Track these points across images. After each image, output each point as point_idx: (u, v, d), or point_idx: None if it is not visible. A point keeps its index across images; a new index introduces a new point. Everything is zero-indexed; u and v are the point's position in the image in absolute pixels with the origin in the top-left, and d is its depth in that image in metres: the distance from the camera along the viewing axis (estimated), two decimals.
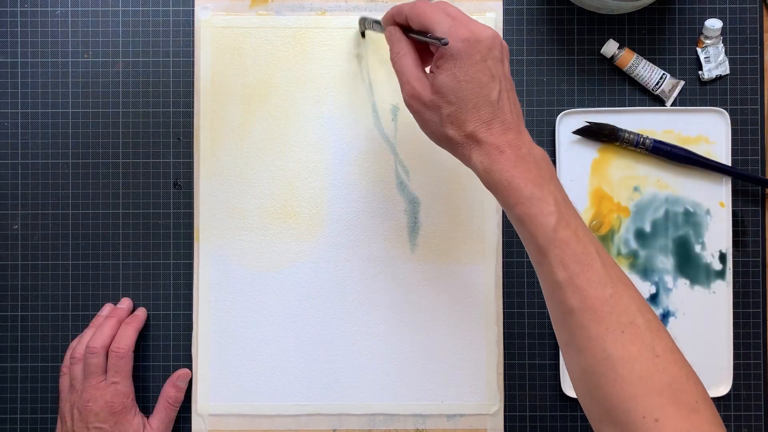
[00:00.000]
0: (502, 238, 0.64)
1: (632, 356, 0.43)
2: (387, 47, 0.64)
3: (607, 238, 0.64)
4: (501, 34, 0.64)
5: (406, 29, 0.52)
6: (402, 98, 0.52)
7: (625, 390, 0.43)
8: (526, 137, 0.49)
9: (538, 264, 0.47)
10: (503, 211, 0.64)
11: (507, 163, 0.47)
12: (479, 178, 0.49)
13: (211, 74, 0.64)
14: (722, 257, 0.64)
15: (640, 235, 0.64)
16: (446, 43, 0.47)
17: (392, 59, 0.52)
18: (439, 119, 0.49)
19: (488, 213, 0.64)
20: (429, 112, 0.49)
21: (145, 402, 0.63)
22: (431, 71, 0.50)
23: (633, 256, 0.64)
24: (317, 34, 0.64)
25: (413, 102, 0.50)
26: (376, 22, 0.58)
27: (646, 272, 0.64)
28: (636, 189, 0.64)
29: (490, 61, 0.48)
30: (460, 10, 0.50)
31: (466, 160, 0.49)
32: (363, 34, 0.64)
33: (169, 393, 0.62)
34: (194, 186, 0.64)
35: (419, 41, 0.51)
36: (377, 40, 0.64)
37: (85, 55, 0.64)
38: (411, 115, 0.63)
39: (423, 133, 0.64)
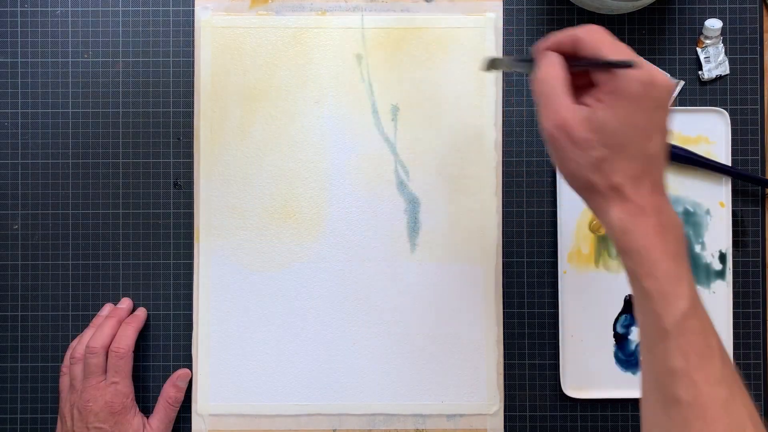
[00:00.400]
0: (502, 238, 0.64)
1: None
2: (387, 47, 0.63)
3: (607, 239, 0.64)
4: (501, 34, 0.64)
5: (569, 59, 0.45)
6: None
7: None
8: (669, 204, 0.44)
9: (653, 345, 0.43)
10: (503, 211, 0.64)
11: (648, 229, 0.42)
12: (611, 237, 0.44)
13: (211, 74, 0.64)
14: (722, 257, 0.64)
15: None
16: (632, 65, 0.42)
17: (539, 79, 0.44)
18: (586, 161, 0.43)
19: (488, 213, 0.64)
20: (576, 150, 0.43)
21: (145, 402, 0.63)
22: (589, 104, 0.43)
23: None
24: (317, 34, 0.64)
25: (559, 134, 0.43)
26: (522, 60, 0.49)
27: None
28: None
29: (660, 112, 0.43)
30: (634, 52, 0.44)
31: (602, 214, 0.44)
32: (489, 67, 0.55)
33: (169, 393, 0.62)
34: (194, 186, 0.64)
35: (591, 65, 0.44)
36: (377, 39, 0.64)
37: (85, 55, 0.64)
38: (411, 115, 0.63)
39: (423, 133, 0.63)
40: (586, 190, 0.44)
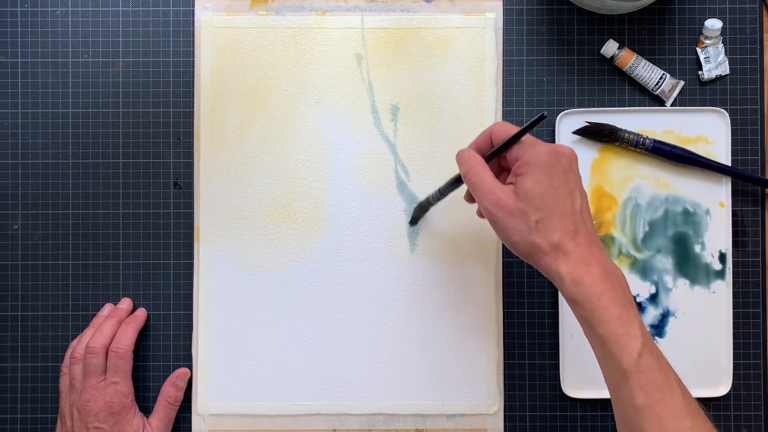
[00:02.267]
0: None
1: None
2: (387, 47, 0.64)
3: (606, 239, 0.64)
4: (501, 34, 0.64)
5: (487, 155, 0.52)
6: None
7: None
8: (606, 254, 0.49)
9: (617, 386, 0.46)
10: None
11: (595, 278, 0.46)
12: (562, 290, 0.48)
13: (211, 74, 0.64)
14: (722, 257, 0.64)
15: (640, 236, 0.64)
16: (545, 117, 0.48)
17: (466, 174, 0.51)
18: (526, 227, 0.48)
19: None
20: (515, 220, 0.48)
21: (145, 402, 0.63)
22: (511, 181, 0.49)
23: (632, 256, 0.64)
24: (317, 34, 0.64)
25: (497, 210, 0.49)
26: (441, 188, 0.58)
27: (645, 272, 0.64)
28: (636, 189, 0.64)
29: (570, 174, 0.49)
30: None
31: (551, 271, 0.48)
32: (415, 221, 0.64)
33: (169, 392, 0.62)
34: (194, 186, 0.64)
35: (509, 143, 0.50)
36: (377, 39, 0.64)
37: (85, 55, 0.64)
38: (411, 115, 0.64)
39: (423, 133, 0.64)
40: (532, 254, 0.49)
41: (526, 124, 0.49)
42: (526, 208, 0.48)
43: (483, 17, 0.64)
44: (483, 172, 0.50)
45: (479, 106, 0.64)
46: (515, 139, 0.50)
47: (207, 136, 0.64)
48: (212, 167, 0.64)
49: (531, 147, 0.49)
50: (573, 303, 0.47)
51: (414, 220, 0.64)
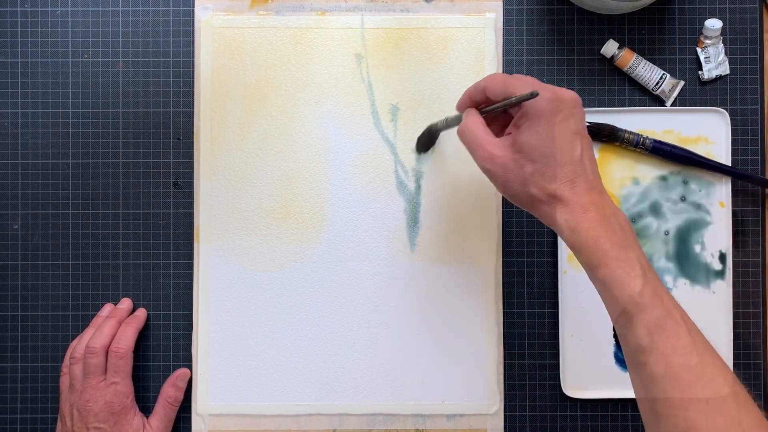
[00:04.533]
0: (503, 238, 0.64)
1: (717, 428, 0.42)
2: (387, 47, 0.64)
3: None
4: (501, 34, 0.64)
5: (481, 109, 0.52)
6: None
7: None
8: (608, 198, 0.49)
9: (622, 328, 0.46)
10: (503, 211, 0.64)
11: (593, 223, 0.46)
12: (563, 238, 0.48)
13: (211, 74, 0.64)
14: (722, 257, 0.64)
15: (640, 235, 0.64)
16: (536, 94, 0.47)
17: (461, 131, 0.51)
18: (521, 179, 0.48)
19: (488, 213, 0.64)
20: (510, 173, 0.49)
21: (145, 402, 0.63)
22: (509, 132, 0.49)
23: None
24: (317, 34, 0.64)
25: (492, 166, 0.49)
26: (449, 118, 0.57)
27: None
28: (636, 189, 0.64)
29: (572, 120, 0.48)
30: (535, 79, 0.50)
31: (550, 220, 0.48)
32: (422, 148, 0.64)
33: (169, 393, 0.62)
34: (194, 186, 0.64)
35: (502, 107, 0.50)
36: (377, 39, 0.64)
37: (85, 55, 0.64)
38: (411, 115, 0.64)
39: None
40: (531, 204, 0.49)
41: (514, 99, 0.48)
42: (521, 160, 0.48)
43: (483, 17, 0.64)
44: (476, 128, 0.50)
45: None
46: (513, 104, 0.49)
47: (207, 136, 0.63)
48: (212, 167, 0.64)
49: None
50: (573, 250, 0.48)
51: (421, 147, 0.63)
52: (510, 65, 0.64)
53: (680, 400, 0.43)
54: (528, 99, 0.47)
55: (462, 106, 0.54)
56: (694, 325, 0.46)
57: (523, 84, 0.49)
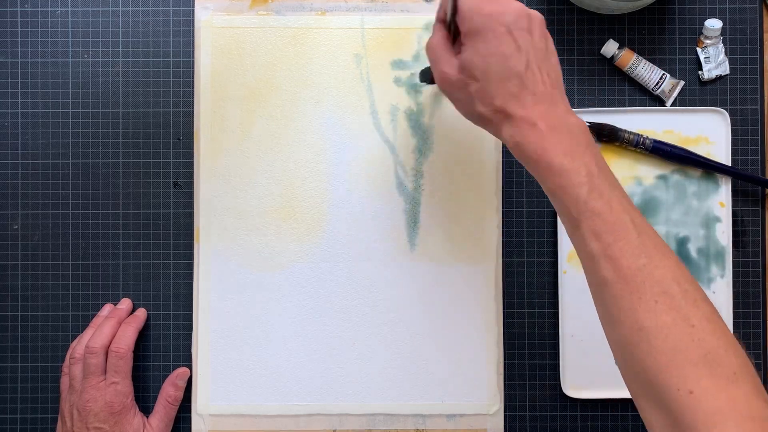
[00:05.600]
0: (503, 238, 0.64)
1: (666, 326, 0.42)
2: (387, 47, 0.63)
3: None
4: None
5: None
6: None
7: (659, 361, 0.42)
8: (560, 107, 0.48)
9: (572, 236, 0.47)
10: (503, 211, 0.64)
11: (537, 136, 0.46)
12: (512, 152, 0.48)
13: (211, 74, 0.64)
14: (722, 257, 0.64)
15: None
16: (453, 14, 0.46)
17: (426, 48, 0.51)
18: (467, 97, 0.48)
19: (488, 213, 0.64)
20: (458, 92, 0.49)
21: (145, 402, 0.63)
22: (457, 51, 0.49)
23: None
24: (317, 34, 0.64)
25: (444, 84, 0.50)
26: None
27: None
28: (636, 189, 0.64)
29: (516, 32, 0.47)
30: None
31: (499, 136, 0.49)
32: (429, 79, 0.59)
33: (169, 392, 0.62)
34: (194, 186, 0.63)
35: (450, 22, 0.49)
36: (377, 39, 0.64)
37: (85, 55, 0.64)
38: (411, 116, 0.64)
39: (423, 133, 0.64)
40: (480, 121, 0.49)
41: (444, 11, 0.48)
42: (465, 79, 0.48)
43: None
44: (436, 45, 0.50)
45: None
46: (450, 22, 0.49)
47: (207, 136, 0.63)
48: (212, 167, 0.63)
49: (469, 11, 0.47)
50: (525, 165, 0.48)
51: (425, 78, 0.59)
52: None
53: (629, 302, 0.43)
54: (454, 7, 0.47)
55: (437, 18, 0.52)
56: (647, 227, 0.45)
57: (467, 2, 0.48)
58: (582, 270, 0.63)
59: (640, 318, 0.43)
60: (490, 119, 0.48)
